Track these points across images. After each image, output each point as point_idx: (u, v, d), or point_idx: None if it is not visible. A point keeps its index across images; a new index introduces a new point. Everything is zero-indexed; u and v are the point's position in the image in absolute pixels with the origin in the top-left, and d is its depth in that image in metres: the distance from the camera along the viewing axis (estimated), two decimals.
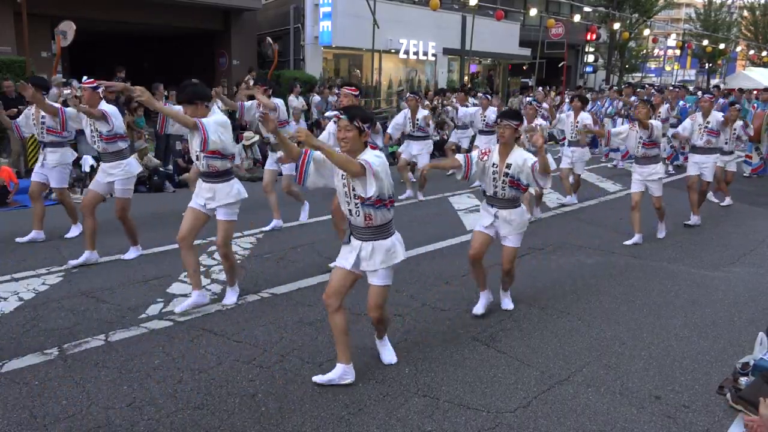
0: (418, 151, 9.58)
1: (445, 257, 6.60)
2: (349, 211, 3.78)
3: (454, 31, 23.67)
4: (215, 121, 4.73)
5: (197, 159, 4.92)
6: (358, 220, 3.76)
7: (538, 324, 4.85)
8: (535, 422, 3.46)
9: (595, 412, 3.57)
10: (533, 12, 26.12)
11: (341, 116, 3.66)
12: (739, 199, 10.16)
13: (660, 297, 5.52)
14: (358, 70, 21.21)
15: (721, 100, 15.00)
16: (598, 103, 14.93)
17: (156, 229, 7.31)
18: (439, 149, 12.93)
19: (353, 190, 3.68)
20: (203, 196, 4.95)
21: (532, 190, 7.38)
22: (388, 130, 9.70)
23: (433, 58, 23.28)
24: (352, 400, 3.63)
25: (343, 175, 3.70)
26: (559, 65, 26.96)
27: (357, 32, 18.99)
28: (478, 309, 4.96)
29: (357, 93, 6.07)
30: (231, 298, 5.12)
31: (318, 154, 3.69)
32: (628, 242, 7.22)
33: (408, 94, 10.18)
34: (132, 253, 6.33)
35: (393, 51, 21.47)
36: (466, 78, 23.90)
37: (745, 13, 42.73)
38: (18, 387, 3.68)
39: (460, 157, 4.79)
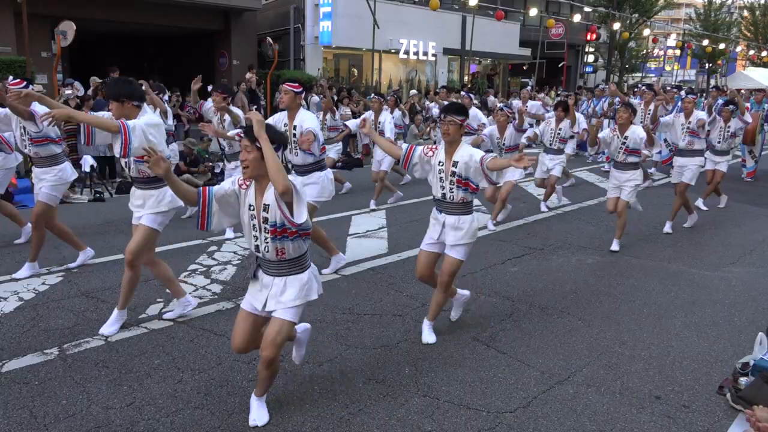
0: (381, 156, 8.99)
1: None
2: (256, 246, 3.26)
3: (454, 31, 23.69)
4: (146, 122, 4.24)
5: (125, 164, 4.55)
6: (269, 255, 3.23)
7: (538, 324, 4.84)
8: (535, 422, 3.46)
9: (595, 412, 3.57)
10: (533, 12, 26.14)
11: (242, 136, 3.15)
12: (739, 199, 10.17)
13: (660, 297, 5.52)
14: (355, 69, 21.21)
15: (719, 101, 14.82)
16: (594, 101, 14.63)
17: None
18: None
19: (264, 222, 3.17)
20: (133, 204, 4.56)
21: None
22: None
23: (433, 58, 23.30)
24: (352, 400, 3.63)
25: (251, 205, 3.22)
26: (559, 65, 27.00)
27: (357, 32, 19.01)
28: (427, 338, 4.46)
29: (299, 90, 5.54)
30: (110, 326, 4.47)
31: (218, 189, 3.28)
32: (613, 247, 6.91)
33: (373, 95, 9.82)
34: (25, 271, 5.62)
35: (393, 51, 21.49)
36: (466, 78, 23.91)
37: (745, 13, 42.73)
38: (18, 387, 3.67)
39: (403, 146, 4.49)
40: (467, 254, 4.37)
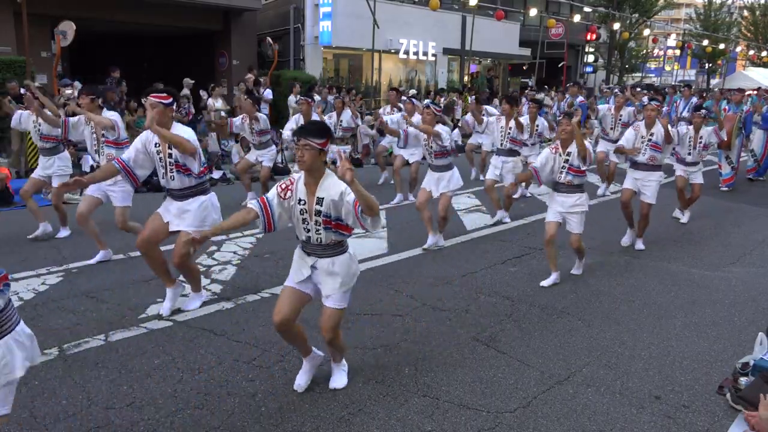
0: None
1: (445, 257, 6.60)
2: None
3: (454, 31, 23.67)
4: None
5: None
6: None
7: (538, 324, 4.84)
8: (535, 422, 3.46)
9: (595, 412, 3.57)
10: (533, 12, 26.13)
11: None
12: (739, 200, 10.17)
13: (660, 297, 5.52)
14: (348, 69, 21.15)
15: (694, 99, 13.22)
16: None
17: None
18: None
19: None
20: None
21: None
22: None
23: (433, 58, 23.28)
24: (352, 400, 3.63)
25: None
26: (559, 65, 26.98)
27: (357, 32, 18.99)
28: (300, 382, 3.76)
29: (169, 101, 4.51)
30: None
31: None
32: (545, 283, 5.74)
33: (299, 97, 8.89)
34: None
35: (393, 51, 21.47)
36: (466, 78, 23.91)
37: (745, 13, 42.75)
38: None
39: (254, 205, 3.53)
40: (349, 298, 3.66)
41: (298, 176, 3.52)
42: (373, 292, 5.45)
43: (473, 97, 12.78)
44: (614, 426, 3.44)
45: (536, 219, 8.47)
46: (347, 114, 9.86)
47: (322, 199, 3.40)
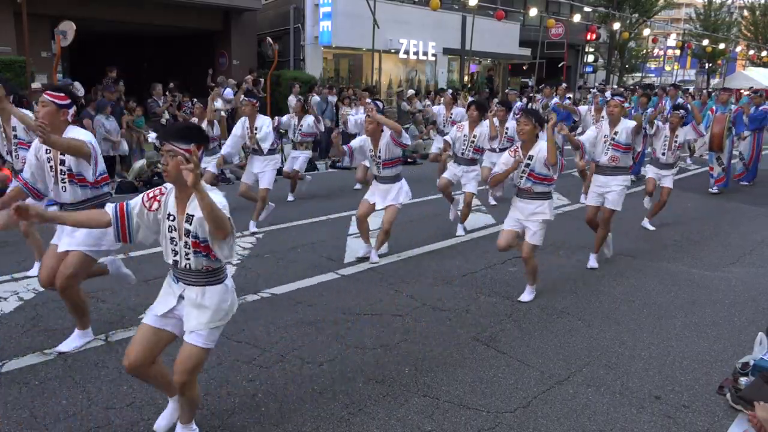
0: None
1: (445, 257, 6.60)
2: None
3: (454, 31, 23.69)
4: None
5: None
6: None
7: (538, 324, 4.85)
8: (535, 422, 3.46)
9: (595, 412, 3.57)
10: (533, 12, 26.15)
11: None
12: (739, 200, 10.17)
13: (660, 297, 5.52)
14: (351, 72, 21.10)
15: (680, 100, 12.33)
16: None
17: None
18: None
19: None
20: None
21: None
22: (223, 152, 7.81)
23: (433, 58, 23.30)
24: (352, 400, 3.63)
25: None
26: (559, 65, 26.98)
27: (357, 32, 19.01)
28: (161, 423, 3.25)
29: (65, 102, 3.96)
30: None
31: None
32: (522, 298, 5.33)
33: (244, 99, 7.76)
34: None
35: (393, 51, 21.49)
36: (466, 78, 23.92)
37: (745, 13, 42.78)
38: (18, 387, 3.67)
39: (110, 209, 3.03)
40: (216, 340, 3.07)
41: (170, 187, 2.96)
42: (373, 292, 5.45)
43: (450, 91, 12.53)
44: (614, 426, 3.44)
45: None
46: (309, 119, 9.31)
47: (192, 216, 2.85)
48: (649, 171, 8.09)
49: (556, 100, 12.26)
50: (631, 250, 7.03)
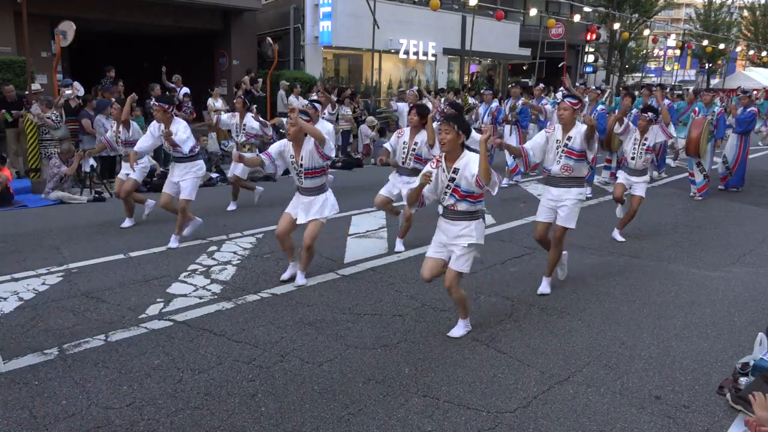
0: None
1: None
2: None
3: (454, 31, 23.68)
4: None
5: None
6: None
7: (538, 324, 4.85)
8: (535, 422, 3.46)
9: (595, 412, 3.57)
10: (533, 12, 26.16)
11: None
12: (739, 200, 10.16)
13: (660, 297, 5.52)
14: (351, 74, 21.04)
15: (666, 102, 11.17)
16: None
17: (155, 229, 7.32)
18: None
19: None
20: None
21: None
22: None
23: (433, 58, 23.29)
24: (352, 400, 3.63)
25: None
26: (559, 65, 26.97)
27: (357, 32, 19.00)
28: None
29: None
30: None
31: None
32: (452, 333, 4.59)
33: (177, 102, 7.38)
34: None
35: (393, 51, 21.48)
36: (466, 78, 23.92)
37: (745, 13, 42.78)
38: (18, 387, 3.67)
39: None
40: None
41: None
42: (373, 292, 5.45)
43: (415, 88, 12.28)
44: (614, 426, 3.44)
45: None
46: (250, 118, 8.62)
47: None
48: (620, 176, 7.60)
49: (544, 101, 12.08)
50: (631, 250, 7.03)
